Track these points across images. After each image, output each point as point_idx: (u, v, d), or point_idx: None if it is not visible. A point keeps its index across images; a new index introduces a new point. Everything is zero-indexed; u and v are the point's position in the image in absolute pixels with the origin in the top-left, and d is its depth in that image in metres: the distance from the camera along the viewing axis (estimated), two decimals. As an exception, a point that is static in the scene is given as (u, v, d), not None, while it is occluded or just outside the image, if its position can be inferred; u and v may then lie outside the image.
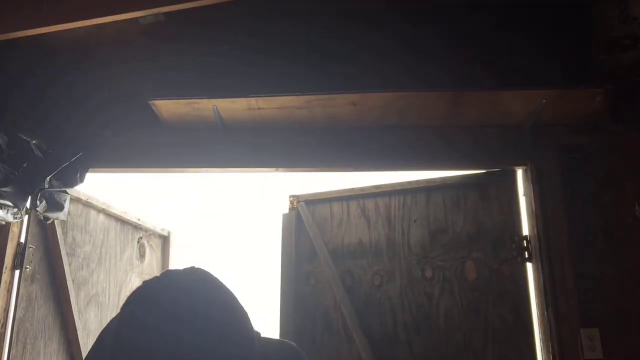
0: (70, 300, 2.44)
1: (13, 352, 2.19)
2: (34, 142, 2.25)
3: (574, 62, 2.32)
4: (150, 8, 2.17)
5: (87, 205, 2.65)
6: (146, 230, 3.11)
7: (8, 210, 2.18)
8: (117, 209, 2.85)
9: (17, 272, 2.29)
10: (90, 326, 2.58)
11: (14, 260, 2.29)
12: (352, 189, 2.55)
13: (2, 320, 2.21)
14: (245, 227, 5.19)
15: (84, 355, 2.47)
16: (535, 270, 2.20)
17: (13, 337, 2.20)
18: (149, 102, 2.23)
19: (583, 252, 2.14)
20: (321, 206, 2.58)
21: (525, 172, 2.32)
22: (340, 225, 2.52)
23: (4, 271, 2.24)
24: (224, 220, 5.24)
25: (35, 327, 2.31)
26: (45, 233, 2.41)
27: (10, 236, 2.28)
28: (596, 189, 2.21)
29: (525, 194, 2.31)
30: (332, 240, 2.51)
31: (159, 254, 3.23)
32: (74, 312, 2.45)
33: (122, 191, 3.21)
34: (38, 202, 2.25)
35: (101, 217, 2.75)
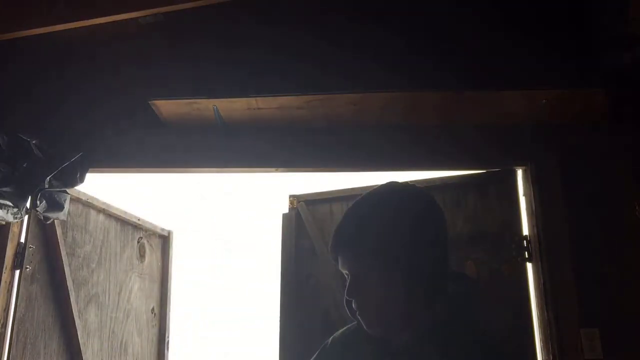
0: (70, 300, 2.44)
1: (13, 352, 2.18)
2: (34, 142, 2.25)
3: (574, 62, 2.32)
4: (150, 8, 2.17)
5: (87, 205, 2.65)
6: (146, 230, 3.11)
7: (8, 210, 2.18)
8: (117, 209, 2.85)
9: (17, 272, 2.28)
10: (90, 326, 2.58)
11: (14, 260, 2.29)
12: (352, 189, 2.54)
13: (2, 320, 2.21)
14: (245, 227, 5.19)
15: (84, 355, 2.47)
16: (535, 270, 2.20)
17: (13, 337, 2.20)
18: (149, 102, 2.23)
19: (583, 252, 2.14)
20: (321, 206, 2.58)
21: (525, 172, 2.32)
22: (340, 225, 2.51)
23: (4, 271, 2.24)
24: (224, 220, 5.24)
25: (35, 327, 2.31)
26: (45, 233, 2.41)
27: (10, 236, 2.28)
28: (596, 189, 2.21)
29: (525, 194, 2.31)
30: (332, 240, 2.50)
31: (159, 254, 3.22)
32: (74, 312, 2.45)
33: (122, 191, 3.21)
34: (38, 202, 2.25)
35: (101, 217, 2.75)
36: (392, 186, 1.08)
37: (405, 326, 0.99)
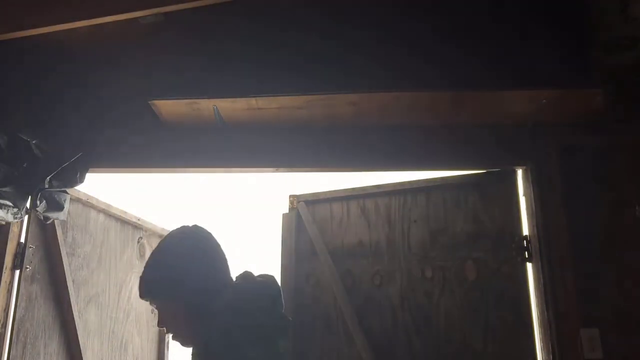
0: (70, 300, 2.44)
1: (13, 352, 2.18)
2: (34, 142, 2.25)
3: (574, 62, 2.32)
4: (150, 8, 2.17)
5: (87, 205, 2.65)
6: (146, 230, 3.11)
7: (8, 210, 2.18)
8: (117, 209, 2.84)
9: (17, 272, 2.28)
10: (90, 326, 2.57)
11: (14, 260, 2.29)
12: (352, 189, 2.55)
13: (2, 320, 2.21)
14: (245, 227, 5.18)
15: (84, 355, 2.47)
16: (535, 270, 2.20)
17: (13, 337, 2.20)
18: (149, 102, 2.23)
19: (583, 252, 2.14)
20: (321, 206, 2.58)
21: (525, 172, 2.32)
22: (341, 225, 2.52)
23: (4, 271, 2.24)
24: (223, 220, 5.24)
25: (35, 327, 2.31)
26: (45, 233, 2.41)
27: (10, 236, 2.28)
28: (596, 189, 2.21)
29: (525, 194, 2.31)
30: (332, 240, 2.51)
31: (159, 254, 3.22)
32: (74, 312, 2.45)
33: (122, 191, 3.21)
34: (38, 202, 2.25)
35: (101, 217, 2.75)
36: (167, 239, 1.39)
37: (195, 340, 1.30)
